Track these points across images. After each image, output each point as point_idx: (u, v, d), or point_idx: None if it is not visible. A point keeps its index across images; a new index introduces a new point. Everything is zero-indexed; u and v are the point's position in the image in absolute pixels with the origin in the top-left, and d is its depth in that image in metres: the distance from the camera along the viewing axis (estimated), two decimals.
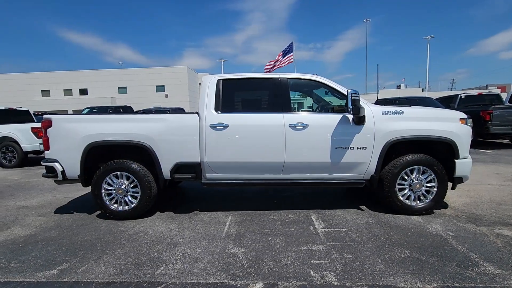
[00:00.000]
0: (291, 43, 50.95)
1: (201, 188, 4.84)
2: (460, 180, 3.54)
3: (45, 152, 3.64)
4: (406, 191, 3.53)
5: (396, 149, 3.56)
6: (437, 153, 3.61)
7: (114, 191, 3.59)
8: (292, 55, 51.38)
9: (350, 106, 3.19)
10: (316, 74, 3.89)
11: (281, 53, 53.04)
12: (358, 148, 3.46)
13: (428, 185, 3.51)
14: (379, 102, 10.40)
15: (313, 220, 3.43)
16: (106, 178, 3.57)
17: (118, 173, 3.57)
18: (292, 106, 3.59)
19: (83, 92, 40.70)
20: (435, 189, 3.49)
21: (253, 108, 3.80)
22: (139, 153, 3.62)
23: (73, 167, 3.57)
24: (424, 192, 3.53)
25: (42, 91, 40.49)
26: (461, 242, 2.76)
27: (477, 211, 3.64)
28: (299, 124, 3.46)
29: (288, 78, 3.66)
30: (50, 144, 3.60)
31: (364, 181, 3.58)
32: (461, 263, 2.39)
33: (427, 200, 3.52)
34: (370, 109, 3.50)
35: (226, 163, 3.56)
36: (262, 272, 2.32)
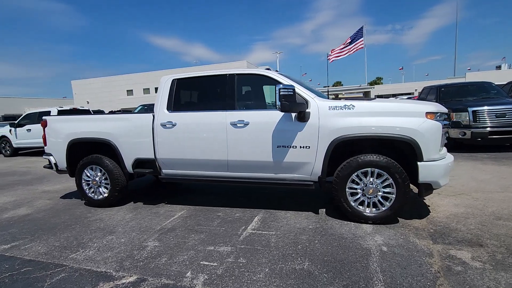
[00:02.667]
0: (361, 28, 47.32)
1: (193, 184, 5.10)
2: (429, 186, 2.94)
3: (44, 147, 4.39)
4: (358, 196, 3.11)
5: (355, 148, 3.16)
6: (406, 154, 3.08)
7: (91, 182, 4.12)
8: (362, 41, 47.77)
9: (278, 102, 2.95)
10: (268, 69, 3.69)
11: (348, 39, 49.75)
12: (301, 147, 3.19)
13: (385, 190, 3.02)
14: (422, 93, 9.02)
15: (253, 221, 3.33)
16: (84, 170, 4.12)
17: (93, 166, 4.08)
18: (236, 103, 3.50)
19: (146, 91, 45.82)
20: (393, 195, 2.98)
21: (201, 106, 3.83)
22: (109, 149, 4.05)
23: (62, 160, 4.23)
24: (381, 199, 3.05)
25: (127, 90, 46.98)
26: (384, 261, 2.34)
27: (457, 225, 2.98)
28: (240, 122, 3.37)
29: (236, 74, 3.58)
30: (47, 141, 4.32)
31: (312, 182, 3.29)
32: (352, 284, 2.06)
33: (383, 208, 3.04)
34: (316, 104, 3.18)
35: (176, 159, 3.71)
36: (147, 267, 2.43)
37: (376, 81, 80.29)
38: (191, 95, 3.98)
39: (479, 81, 8.39)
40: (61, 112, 9.96)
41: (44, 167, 4.49)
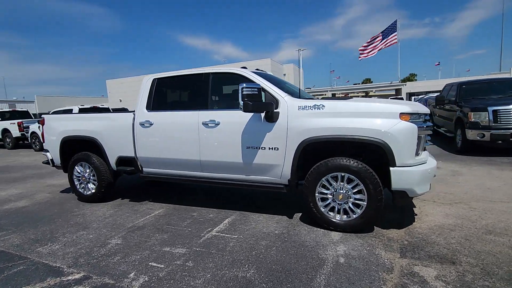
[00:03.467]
0: (395, 21, 45.02)
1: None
2: (404, 194, 2.68)
3: (43, 144, 4.65)
4: (329, 201, 2.93)
5: (330, 150, 2.97)
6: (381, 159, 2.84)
7: (80, 178, 4.30)
8: (395, 35, 45.40)
9: (240, 102, 2.83)
10: (244, 67, 3.59)
11: (380, 34, 47.45)
12: (269, 148, 3.07)
13: (356, 197, 2.81)
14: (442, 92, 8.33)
15: (223, 222, 3.27)
16: (75, 166, 4.31)
17: (83, 163, 4.25)
18: (209, 103, 3.45)
19: None
20: (364, 202, 2.76)
21: (177, 106, 3.81)
22: (96, 147, 4.19)
23: (56, 157, 4.45)
24: (352, 206, 2.85)
25: None
26: (335, 273, 2.17)
27: (437, 238, 2.69)
28: (211, 121, 3.31)
29: (211, 74, 3.52)
30: (44, 138, 4.57)
31: (283, 185, 3.15)
32: None
33: (354, 216, 2.83)
34: (285, 104, 3.04)
35: (154, 158, 3.75)
36: (97, 265, 2.46)
37: (410, 78, 76.01)
38: (169, 94, 3.99)
39: (508, 77, 7.57)
40: (81, 110, 10.56)
41: (43, 162, 4.77)
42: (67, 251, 2.75)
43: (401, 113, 2.62)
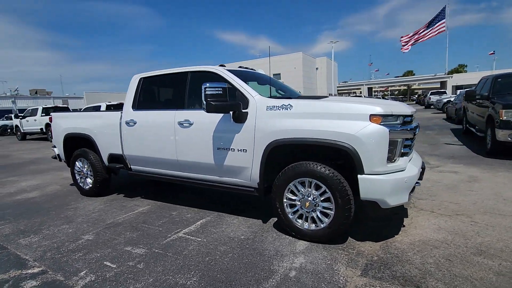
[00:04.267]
0: (443, 8, 41.53)
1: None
2: (375, 205, 2.40)
3: (52, 140, 4.99)
4: (297, 208, 2.74)
5: (301, 153, 2.78)
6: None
7: (80, 173, 4.55)
8: (443, 23, 41.98)
9: (203, 101, 2.73)
10: (222, 65, 3.48)
11: (426, 24, 44.02)
12: (238, 150, 2.95)
13: (324, 205, 2.59)
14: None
15: (195, 223, 3.24)
16: (76, 162, 4.56)
17: (82, 159, 4.49)
18: (186, 102, 3.40)
19: None
20: (332, 211, 2.54)
21: (158, 105, 3.81)
22: (92, 144, 4.39)
23: (61, 152, 4.76)
24: (320, 214, 2.63)
25: None
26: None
27: (414, 256, 2.38)
28: (186, 121, 3.27)
29: (189, 72, 3.47)
30: (53, 134, 4.90)
31: (253, 189, 3.01)
32: None
33: (322, 225, 2.61)
34: (255, 103, 2.88)
35: (138, 156, 3.82)
36: (59, 260, 2.55)
37: (458, 69, 69.38)
38: (152, 94, 4.02)
39: None
40: (108, 107, 11.22)
41: (52, 157, 5.12)
42: (42, 244, 2.91)
43: (371, 115, 2.34)
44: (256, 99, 2.90)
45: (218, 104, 2.72)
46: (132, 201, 4.16)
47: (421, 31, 39.69)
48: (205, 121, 3.13)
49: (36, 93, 64.22)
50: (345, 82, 71.16)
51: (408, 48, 41.55)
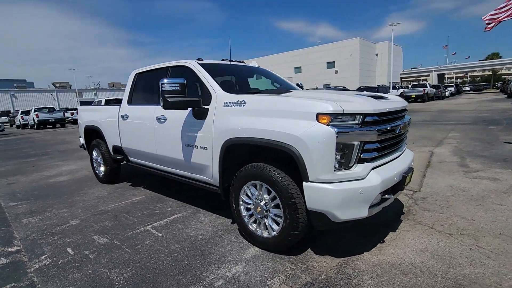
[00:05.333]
0: None
1: None
2: (323, 217, 2.08)
3: (80, 131, 5.58)
4: (251, 212, 2.56)
5: (263, 154, 2.58)
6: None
7: (95, 162, 5.00)
8: None
9: (160, 98, 2.68)
10: (200, 59, 3.37)
11: None
12: (201, 147, 2.86)
13: (275, 212, 2.36)
14: None
15: (169, 217, 3.28)
16: (92, 151, 5.03)
17: (96, 149, 4.92)
18: None
19: None
20: (281, 219, 2.30)
21: (145, 100, 3.86)
22: (101, 135, 4.76)
23: (84, 142, 5.29)
24: (271, 221, 2.41)
25: None
26: None
27: (368, 281, 2.03)
28: (162, 117, 3.30)
29: (170, 67, 3.47)
30: (79, 125, 5.47)
31: (217, 187, 2.91)
32: None
33: (273, 233, 2.39)
34: (216, 99, 2.74)
35: (130, 149, 4.01)
36: (37, 242, 2.84)
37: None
38: (142, 88, 4.11)
39: None
40: (107, 102, 12.42)
41: (79, 146, 5.73)
42: (35, 225, 3.29)
43: (318, 113, 2.01)
44: (217, 95, 2.75)
45: (174, 100, 2.65)
46: (132, 191, 4.42)
47: (510, 5, 33.17)
48: (176, 117, 3.11)
49: (113, 86, 73.07)
50: (415, 68, 63.96)
51: (491, 27, 35.37)
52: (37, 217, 3.54)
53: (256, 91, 3.06)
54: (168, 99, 2.63)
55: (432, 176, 4.31)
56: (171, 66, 3.44)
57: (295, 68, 44.52)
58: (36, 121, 21.80)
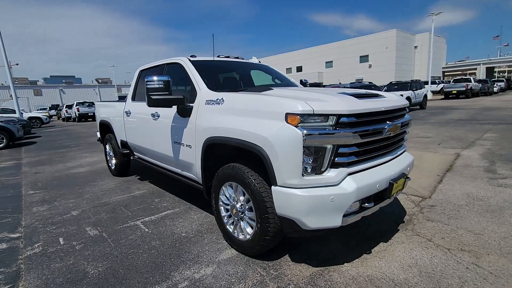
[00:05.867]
0: None
1: None
2: (293, 224, 1.96)
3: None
4: (229, 213, 2.50)
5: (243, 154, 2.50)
6: None
7: (108, 155, 5.25)
8: None
9: (145, 95, 2.68)
10: (193, 55, 3.34)
11: None
12: (186, 145, 2.85)
13: (249, 215, 2.28)
14: None
15: (161, 213, 3.33)
16: (106, 145, 5.28)
17: (108, 143, 5.16)
18: None
19: (299, 69, 46.88)
20: (254, 223, 2.21)
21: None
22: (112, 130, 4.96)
23: (99, 136, 5.57)
24: (246, 224, 2.33)
25: (286, 69, 50.58)
26: None
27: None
28: (156, 113, 3.34)
29: (166, 64, 3.49)
30: (96, 120, 5.78)
31: (201, 185, 2.88)
32: None
33: (248, 237, 2.31)
34: (200, 97, 2.71)
35: (133, 144, 4.13)
36: (36, 230, 3.03)
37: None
38: (143, 85, 4.18)
39: None
40: (120, 98, 12.61)
41: (97, 140, 6.05)
42: (42, 214, 3.52)
43: (287, 114, 1.88)
44: (201, 92, 2.71)
45: (158, 98, 2.65)
46: (138, 184, 4.57)
47: None
48: (167, 114, 3.12)
49: None
50: (461, 61, 58.86)
51: None
52: (46, 206, 3.79)
53: (244, 89, 2.96)
54: (152, 97, 2.64)
55: (450, 182, 3.92)
56: (166, 63, 3.47)
57: (326, 62, 43.16)
58: (77, 114, 23.55)
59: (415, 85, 15.46)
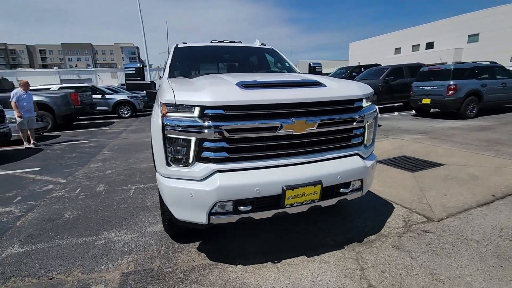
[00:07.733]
0: None
1: None
2: (169, 212, 1.99)
3: None
4: None
5: None
6: None
7: None
8: None
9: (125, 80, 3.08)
10: (184, 42, 3.50)
11: None
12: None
13: None
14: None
15: (150, 183, 3.84)
16: None
17: None
18: None
19: (430, 45, 39.08)
20: None
21: None
22: None
23: None
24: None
25: (395, 49, 44.46)
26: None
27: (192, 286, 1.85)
28: None
29: (175, 48, 3.80)
30: None
31: None
32: None
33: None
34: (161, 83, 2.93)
35: None
36: (76, 182, 4.09)
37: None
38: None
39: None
40: None
41: None
42: (93, 169, 4.63)
43: (161, 103, 1.87)
44: (162, 80, 2.90)
45: (132, 83, 3.02)
46: None
47: None
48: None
49: None
50: None
51: None
52: (101, 164, 4.95)
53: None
54: (127, 81, 3.03)
55: (500, 208, 2.79)
56: (174, 47, 3.75)
57: (469, 36, 34.06)
58: None
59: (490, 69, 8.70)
